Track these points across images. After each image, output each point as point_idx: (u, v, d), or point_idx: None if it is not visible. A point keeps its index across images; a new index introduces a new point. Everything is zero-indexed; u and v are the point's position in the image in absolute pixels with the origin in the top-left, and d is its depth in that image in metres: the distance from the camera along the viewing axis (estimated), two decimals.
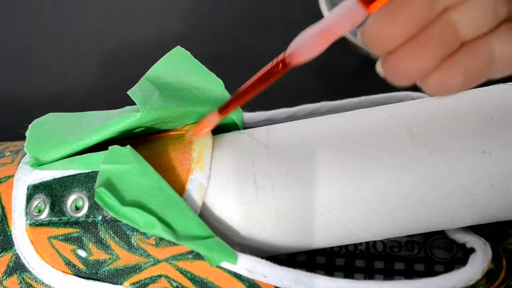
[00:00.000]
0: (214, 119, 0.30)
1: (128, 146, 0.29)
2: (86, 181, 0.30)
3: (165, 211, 0.27)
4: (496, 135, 0.29)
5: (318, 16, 0.51)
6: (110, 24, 0.57)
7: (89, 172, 0.30)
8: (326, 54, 0.54)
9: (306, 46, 0.25)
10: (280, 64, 0.26)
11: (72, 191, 0.30)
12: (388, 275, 0.37)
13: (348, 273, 0.37)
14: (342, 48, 0.52)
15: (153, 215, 0.27)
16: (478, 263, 0.29)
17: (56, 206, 0.30)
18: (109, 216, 0.29)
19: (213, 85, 0.33)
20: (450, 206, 0.30)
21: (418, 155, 0.30)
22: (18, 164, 0.33)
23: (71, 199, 0.30)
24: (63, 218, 0.30)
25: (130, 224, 0.27)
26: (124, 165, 0.28)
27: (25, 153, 0.33)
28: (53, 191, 0.30)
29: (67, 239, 0.30)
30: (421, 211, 0.30)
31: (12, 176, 0.32)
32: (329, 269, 0.37)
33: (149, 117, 0.30)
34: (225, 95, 0.33)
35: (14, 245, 0.30)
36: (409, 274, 0.36)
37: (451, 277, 0.29)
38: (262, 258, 0.29)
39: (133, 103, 0.31)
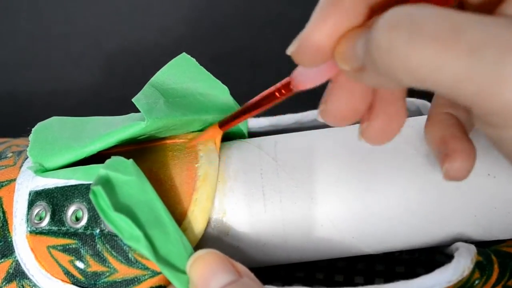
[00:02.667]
0: (215, 132, 0.30)
1: (131, 159, 0.29)
2: (87, 192, 0.30)
3: (151, 231, 0.27)
4: (501, 159, 0.29)
5: None
6: (111, 23, 0.57)
7: (90, 184, 0.30)
8: None
9: (313, 72, 0.25)
10: (283, 90, 0.26)
11: (73, 202, 0.30)
12: (389, 277, 0.37)
13: (349, 276, 0.37)
14: None
15: (140, 230, 0.26)
16: (464, 253, 0.29)
17: (57, 215, 0.30)
18: (106, 230, 0.29)
19: (218, 92, 0.33)
20: (452, 225, 0.30)
21: (425, 174, 0.30)
22: (20, 167, 0.33)
23: (71, 210, 0.30)
24: (63, 228, 0.30)
25: (116, 232, 0.26)
26: (124, 175, 0.28)
27: (28, 156, 0.33)
28: (55, 200, 0.30)
29: (65, 249, 0.30)
30: (424, 228, 0.30)
31: (14, 180, 0.32)
32: (330, 271, 0.37)
33: (154, 126, 0.30)
34: (230, 101, 0.33)
35: (14, 251, 0.30)
36: (410, 277, 0.36)
37: (444, 271, 0.29)
38: (260, 271, 0.29)
39: (134, 104, 0.31)
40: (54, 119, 0.33)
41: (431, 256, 0.37)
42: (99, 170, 0.29)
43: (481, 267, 0.29)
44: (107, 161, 0.29)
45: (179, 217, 0.29)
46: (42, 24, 0.57)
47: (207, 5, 0.58)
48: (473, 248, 0.30)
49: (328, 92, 0.25)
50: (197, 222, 0.30)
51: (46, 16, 0.57)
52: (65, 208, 0.30)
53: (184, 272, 0.27)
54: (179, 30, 0.56)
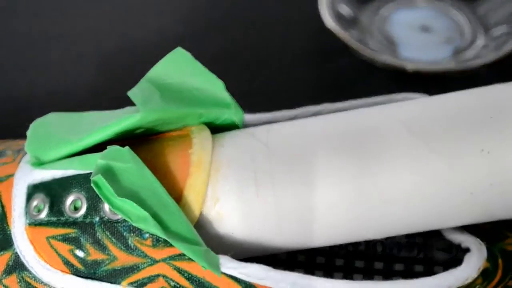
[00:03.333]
0: None
1: (127, 147, 0.29)
2: (85, 181, 0.30)
3: (157, 211, 0.28)
4: (494, 134, 0.29)
5: (318, 15, 0.51)
6: (110, 23, 0.57)
7: (88, 173, 0.30)
8: (327, 58, 0.54)
9: None
10: None
11: (71, 192, 0.30)
12: (388, 276, 0.37)
13: (347, 274, 0.37)
14: (343, 52, 0.52)
15: (146, 211, 0.27)
16: (473, 261, 0.29)
17: (55, 206, 0.30)
18: (106, 217, 0.29)
19: (213, 86, 0.33)
20: (449, 204, 0.30)
21: (418, 153, 0.30)
22: (19, 163, 0.33)
23: (69, 200, 0.30)
24: (62, 218, 0.30)
25: (122, 216, 0.27)
26: (122, 163, 0.28)
27: (26, 152, 0.33)
28: (52, 191, 0.30)
29: (65, 239, 0.30)
30: (420, 209, 0.30)
31: (13, 175, 0.32)
32: (329, 270, 0.37)
33: (149, 118, 0.30)
34: (225, 96, 0.33)
35: (13, 244, 0.30)
36: (409, 275, 0.36)
37: (448, 276, 0.29)
38: (262, 256, 0.30)
39: (134, 104, 0.31)
40: (51, 115, 0.33)
41: (430, 254, 0.37)
42: (95, 159, 0.29)
43: (486, 274, 0.29)
44: (104, 151, 0.29)
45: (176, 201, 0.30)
46: (41, 24, 0.57)
47: (206, 5, 0.58)
48: (484, 251, 0.30)
49: None
50: (192, 206, 0.30)
51: (44, 17, 0.58)
52: (63, 199, 0.30)
53: (197, 244, 0.27)
54: (178, 30, 0.56)
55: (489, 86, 0.32)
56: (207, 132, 0.32)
